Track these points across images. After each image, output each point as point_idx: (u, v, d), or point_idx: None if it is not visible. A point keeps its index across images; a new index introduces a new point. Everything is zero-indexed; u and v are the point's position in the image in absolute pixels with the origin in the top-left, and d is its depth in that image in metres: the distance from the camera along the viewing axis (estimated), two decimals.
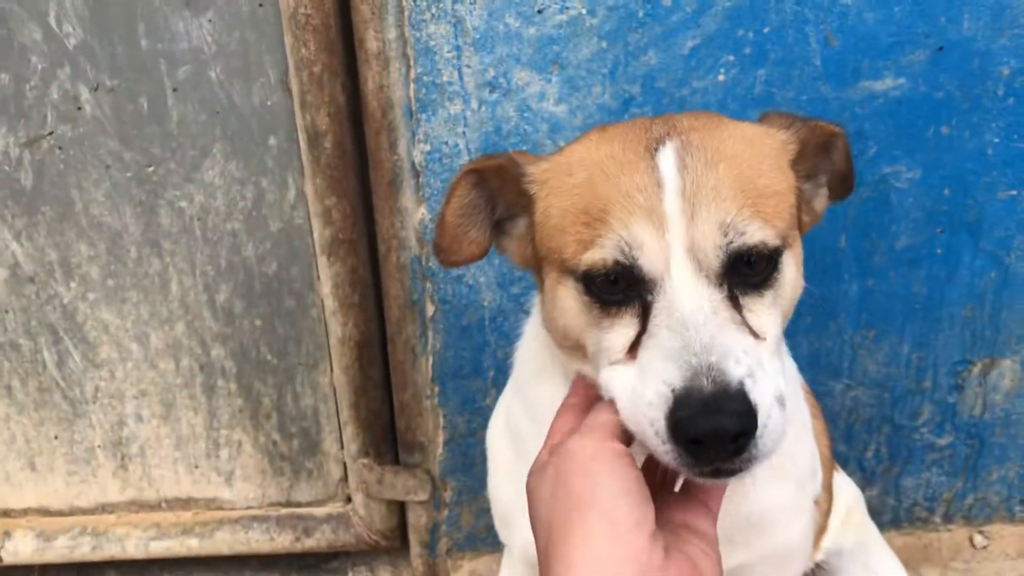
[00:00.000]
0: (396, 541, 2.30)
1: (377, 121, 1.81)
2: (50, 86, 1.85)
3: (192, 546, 2.29)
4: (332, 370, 2.11)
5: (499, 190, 1.22)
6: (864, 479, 2.18)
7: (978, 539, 2.25)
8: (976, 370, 2.08)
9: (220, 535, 2.28)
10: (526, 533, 1.46)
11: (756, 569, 1.32)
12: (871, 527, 1.83)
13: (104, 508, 2.31)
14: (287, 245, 2.01)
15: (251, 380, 2.16)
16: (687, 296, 1.00)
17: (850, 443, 2.16)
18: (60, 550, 2.28)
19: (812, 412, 1.49)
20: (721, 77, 1.77)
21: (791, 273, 1.11)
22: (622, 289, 1.04)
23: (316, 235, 1.95)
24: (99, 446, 2.23)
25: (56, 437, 2.22)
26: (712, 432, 0.93)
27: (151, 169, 1.93)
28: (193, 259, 2.02)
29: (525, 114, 1.79)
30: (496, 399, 1.60)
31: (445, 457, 2.16)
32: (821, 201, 1.30)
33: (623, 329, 1.05)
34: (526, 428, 1.41)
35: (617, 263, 1.03)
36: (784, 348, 1.40)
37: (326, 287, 1.99)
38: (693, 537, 0.98)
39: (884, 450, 2.17)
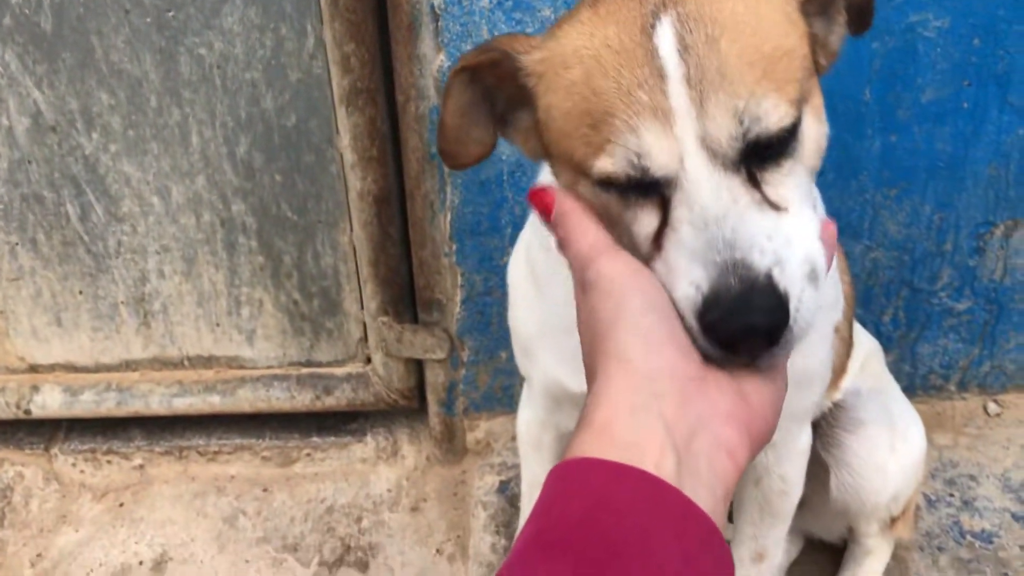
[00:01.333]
0: (414, 401, 2.34)
1: None
2: None
3: (214, 403, 2.34)
4: (352, 227, 2.12)
5: (496, 85, 1.14)
6: (881, 345, 2.18)
7: (992, 407, 2.26)
8: (998, 232, 2.06)
9: (242, 393, 2.33)
10: (545, 365, 1.49)
11: None
12: (889, 377, 1.84)
13: (128, 365, 2.36)
14: (306, 96, 2.00)
15: (272, 237, 2.17)
16: (705, 189, 0.96)
17: (868, 307, 2.16)
18: (87, 405, 2.34)
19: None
20: None
21: (811, 131, 1.05)
22: (640, 188, 1.00)
23: (335, 84, 1.94)
24: (122, 302, 2.27)
25: (80, 292, 2.26)
26: (743, 332, 0.92)
27: (171, 14, 1.92)
28: (213, 110, 2.02)
29: None
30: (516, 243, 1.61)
31: (462, 316, 2.18)
32: (837, 38, 1.18)
33: (646, 220, 1.01)
34: (543, 263, 1.42)
35: (629, 176, 0.98)
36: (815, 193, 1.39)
37: (345, 139, 1.99)
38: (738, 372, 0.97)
39: (902, 315, 2.17)
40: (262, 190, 2.11)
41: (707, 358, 0.95)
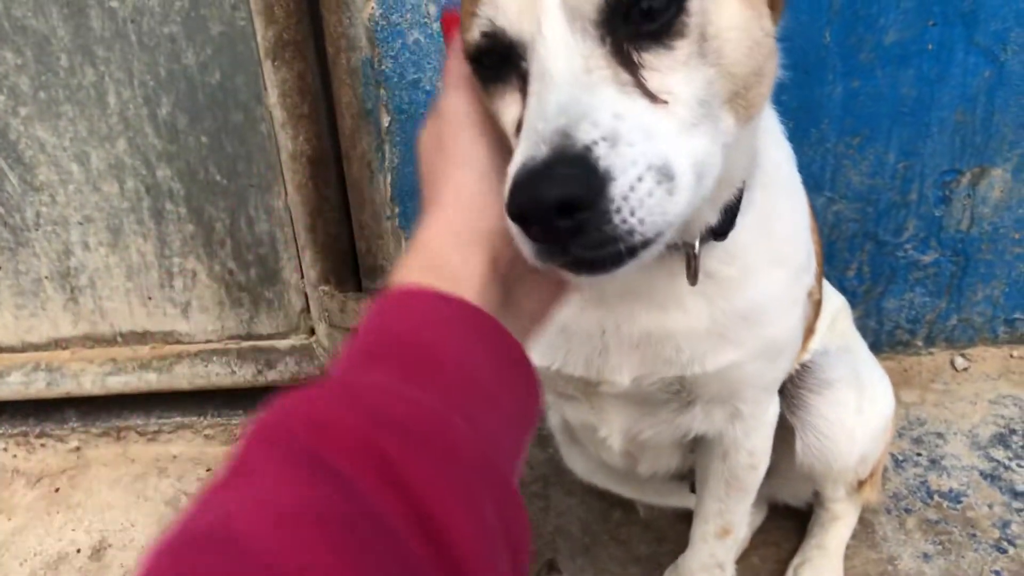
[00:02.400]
0: None
1: None
2: None
3: (151, 381, 2.21)
4: (286, 191, 2.00)
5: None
6: (847, 300, 2.11)
7: (959, 361, 2.19)
8: (965, 180, 1.98)
9: (179, 369, 2.20)
10: None
11: (747, 366, 1.23)
12: (856, 335, 1.76)
13: (57, 343, 2.23)
14: (230, 51, 1.86)
15: (201, 203, 2.04)
16: (555, 54, 0.81)
17: (832, 262, 2.07)
18: (14, 387, 2.21)
19: None
20: None
21: (728, 14, 0.86)
22: (499, 63, 0.87)
23: (259, 37, 1.80)
24: (46, 277, 2.13)
25: None
26: (528, 203, 0.75)
27: None
28: (130, 68, 1.88)
29: None
30: None
31: None
32: None
33: (507, 108, 0.88)
34: None
35: (483, 35, 0.85)
36: (775, 128, 1.28)
37: (273, 96, 1.86)
38: None
39: (867, 269, 2.09)
40: (188, 153, 1.97)
41: (530, 258, 0.81)
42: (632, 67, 0.82)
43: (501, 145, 0.88)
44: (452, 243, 0.82)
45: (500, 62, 0.88)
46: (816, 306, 1.50)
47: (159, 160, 1.98)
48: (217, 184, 2.01)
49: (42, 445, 2.29)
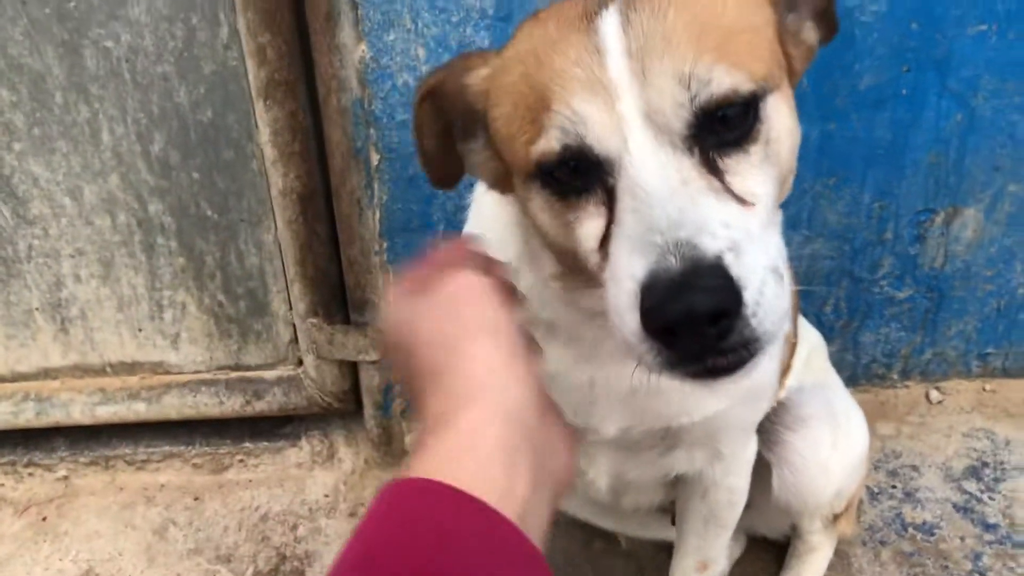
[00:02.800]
0: (350, 404, 2.26)
1: None
2: None
3: (140, 411, 2.24)
4: (276, 226, 2.03)
5: (450, 107, 1.06)
6: (823, 335, 2.15)
7: (934, 394, 2.24)
8: (939, 220, 2.04)
9: (168, 399, 2.23)
10: None
11: (730, 412, 1.28)
12: (831, 371, 1.81)
13: (47, 373, 2.25)
14: (222, 90, 1.90)
15: (192, 238, 2.07)
16: (649, 169, 0.84)
17: (809, 298, 2.12)
18: (3, 416, 2.23)
19: None
20: None
21: (783, 120, 0.94)
22: (580, 176, 0.90)
23: (251, 77, 1.84)
24: (37, 308, 2.15)
25: None
26: (683, 315, 0.78)
27: (72, 4, 1.80)
28: (124, 105, 1.91)
29: None
30: None
31: None
32: (809, 33, 1.10)
33: (589, 221, 0.91)
34: None
35: (565, 147, 0.88)
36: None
37: (264, 134, 1.90)
38: None
39: (843, 304, 2.14)
40: (180, 188, 2.01)
41: (656, 369, 0.83)
42: (719, 173, 0.87)
43: (518, 318, 0.90)
44: (483, 433, 0.81)
45: (575, 175, 0.90)
46: (791, 347, 1.55)
47: (151, 195, 2.01)
48: (208, 219, 2.04)
49: (30, 474, 2.31)
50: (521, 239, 1.18)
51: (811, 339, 1.78)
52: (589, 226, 0.91)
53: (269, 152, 1.91)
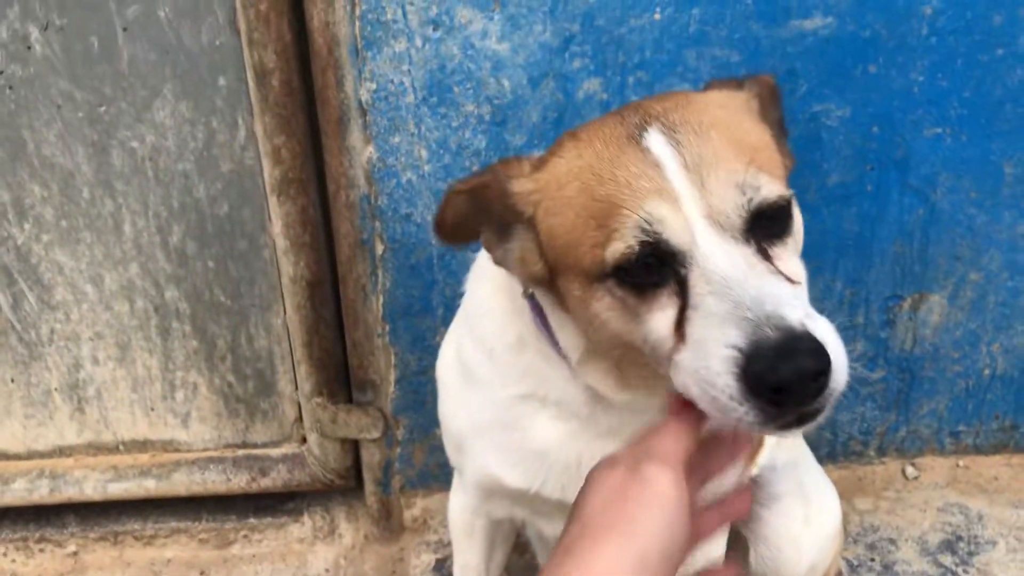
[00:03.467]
0: (351, 480, 2.35)
1: (323, 59, 1.85)
2: None
3: (150, 488, 2.33)
4: (285, 311, 2.16)
5: (489, 206, 1.20)
6: None
7: (910, 470, 2.35)
8: (906, 305, 2.17)
9: (177, 476, 2.32)
10: (479, 460, 1.52)
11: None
12: (804, 448, 1.90)
13: (62, 451, 2.35)
14: (238, 186, 2.05)
15: (205, 322, 2.20)
16: (721, 258, 1.01)
17: None
18: (18, 492, 2.31)
19: None
20: (657, 16, 1.83)
21: (799, 217, 1.15)
22: (654, 271, 1.05)
23: (266, 175, 1.99)
24: (56, 389, 2.26)
25: (12, 380, 2.25)
26: (795, 375, 0.92)
27: (103, 109, 1.96)
28: (146, 200, 2.06)
29: (468, 52, 1.85)
30: (444, 337, 1.65)
31: (397, 395, 2.22)
32: (787, 146, 1.33)
33: (663, 311, 1.05)
34: (476, 361, 1.45)
35: (643, 244, 1.03)
36: None
37: (277, 227, 2.04)
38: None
39: None
40: (195, 276, 2.14)
41: (750, 425, 0.96)
42: (769, 259, 1.05)
43: (676, 521, 0.98)
44: None
45: (647, 271, 1.05)
46: None
47: (168, 282, 2.14)
48: (221, 304, 2.17)
49: (40, 550, 2.38)
50: (518, 322, 1.31)
51: None
52: (665, 314, 1.05)
53: (281, 243, 2.05)
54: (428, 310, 2.12)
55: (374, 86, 1.88)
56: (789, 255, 1.09)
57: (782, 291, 0.99)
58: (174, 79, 1.94)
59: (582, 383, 1.27)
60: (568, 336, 1.24)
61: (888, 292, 2.15)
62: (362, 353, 2.17)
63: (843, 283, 2.13)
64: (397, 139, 1.92)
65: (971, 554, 2.14)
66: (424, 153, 1.94)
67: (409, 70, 1.86)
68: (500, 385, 1.40)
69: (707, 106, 1.15)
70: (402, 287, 2.09)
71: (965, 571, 2.10)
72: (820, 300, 2.15)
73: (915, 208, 2.05)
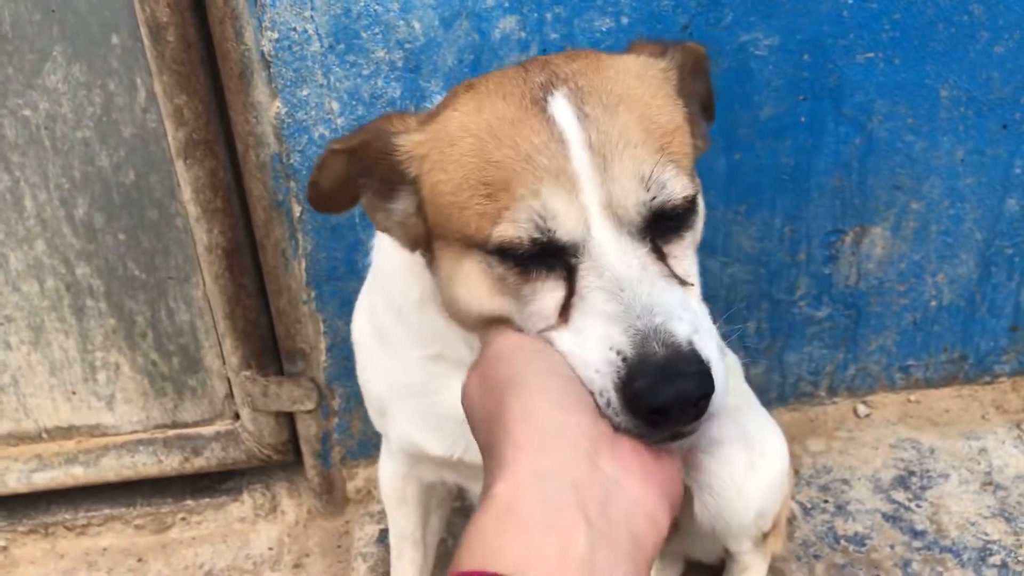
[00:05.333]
0: (289, 455, 2.27)
1: (220, 8, 1.74)
2: None
3: (78, 475, 2.23)
4: (204, 282, 2.05)
5: (372, 165, 1.11)
6: (748, 357, 2.21)
7: (861, 408, 2.31)
8: (848, 239, 2.11)
9: (106, 461, 2.22)
10: (400, 426, 1.46)
11: None
12: (748, 393, 1.84)
13: None
14: (143, 151, 1.93)
15: (121, 298, 2.09)
16: (614, 255, 0.95)
17: (732, 321, 2.15)
18: None
19: None
20: None
21: (702, 209, 1.09)
22: (541, 258, 0.98)
23: (170, 138, 1.88)
24: None
25: None
26: (676, 399, 0.89)
27: None
28: (45, 172, 1.94)
29: None
30: (358, 300, 1.58)
31: (329, 364, 2.13)
32: (703, 127, 1.26)
33: (549, 293, 0.98)
34: (388, 322, 1.39)
35: (533, 240, 0.96)
36: None
37: (187, 193, 1.93)
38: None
39: (765, 326, 2.20)
40: (106, 250, 2.03)
41: (621, 430, 0.90)
42: (664, 258, 0.99)
43: (563, 370, 0.93)
44: (532, 481, 0.80)
45: (535, 259, 0.98)
46: None
47: (78, 259, 2.03)
48: (136, 279, 2.06)
49: None
50: (419, 282, 1.22)
51: (726, 362, 1.82)
52: (550, 297, 0.98)
53: (192, 210, 1.94)
54: (353, 272, 2.02)
55: (276, 35, 1.76)
56: (684, 251, 1.02)
57: (673, 299, 0.93)
58: (63, 40, 1.82)
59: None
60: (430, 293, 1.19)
61: (829, 227, 2.09)
62: (288, 322, 2.07)
63: (782, 220, 2.06)
64: (305, 92, 1.82)
65: (924, 488, 2.11)
66: (335, 105, 1.84)
67: (312, 16, 1.75)
68: (410, 346, 1.34)
69: (620, 74, 1.05)
70: (324, 250, 1.99)
71: (919, 505, 2.06)
72: (760, 239, 2.08)
73: (851, 138, 1.99)
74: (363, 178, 1.14)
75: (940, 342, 2.27)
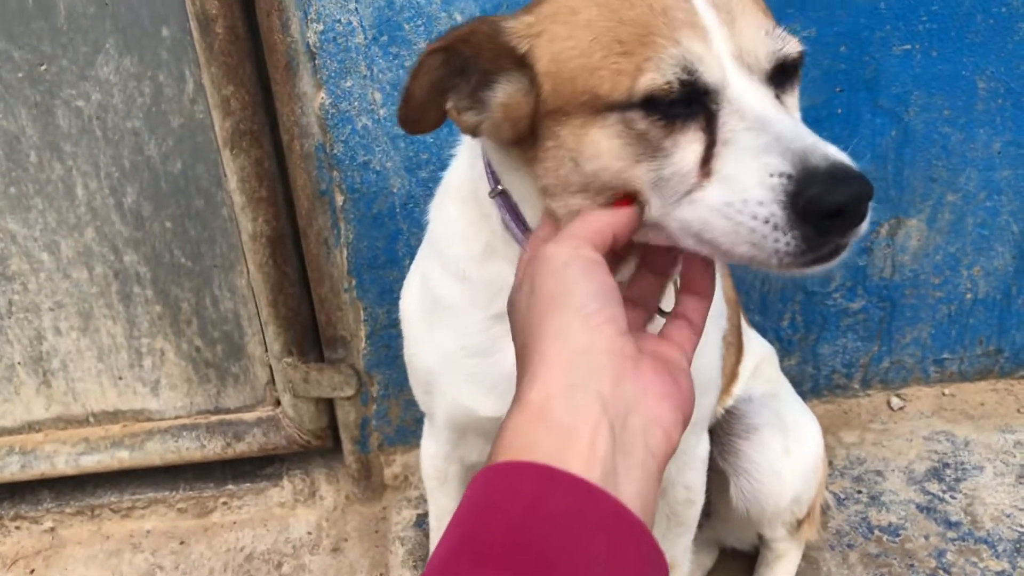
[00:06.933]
0: (328, 441, 2.31)
1: (267, 1, 1.78)
2: None
3: (123, 458, 2.28)
4: (248, 270, 2.10)
5: (472, 58, 1.12)
6: (783, 349, 2.23)
7: (895, 401, 2.31)
8: (884, 231, 2.12)
9: (151, 446, 2.28)
10: (450, 395, 1.48)
11: None
12: (783, 380, 1.87)
13: (31, 426, 2.30)
14: (190, 141, 1.98)
15: (167, 285, 2.14)
16: (755, 97, 0.99)
17: (767, 313, 2.20)
18: None
19: None
20: None
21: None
22: (684, 105, 1.00)
23: (217, 128, 1.93)
24: (19, 363, 2.21)
25: None
26: (852, 198, 0.91)
27: (43, 68, 1.89)
28: (96, 161, 1.99)
29: None
30: (407, 278, 1.59)
31: (368, 351, 2.17)
32: None
33: (690, 145, 1.00)
34: (446, 288, 1.39)
35: (682, 82, 0.99)
36: None
37: (232, 182, 1.98)
38: (668, 357, 0.98)
39: (799, 318, 2.22)
40: (153, 238, 2.08)
41: (785, 258, 0.93)
42: (783, 106, 1.04)
43: (606, 291, 0.94)
44: (562, 388, 0.85)
45: (679, 104, 1.00)
46: (735, 351, 1.62)
47: (126, 246, 2.08)
48: (182, 266, 2.11)
49: (16, 527, 2.34)
50: (485, 229, 1.26)
51: (758, 350, 1.85)
52: (692, 148, 1.00)
53: (238, 199, 1.99)
54: (394, 261, 2.06)
55: (321, 27, 1.81)
56: (795, 104, 1.08)
57: (807, 131, 0.97)
58: (116, 32, 1.87)
59: None
60: (530, 207, 1.18)
61: None
62: (329, 309, 2.12)
63: None
64: (349, 83, 1.86)
65: (958, 480, 2.11)
66: (378, 96, 1.88)
67: (356, 8, 1.79)
68: (472, 308, 1.35)
69: None
70: (366, 239, 2.04)
71: (952, 497, 2.07)
72: None
73: (887, 129, 2.00)
74: (456, 78, 1.14)
75: (975, 335, 2.27)
